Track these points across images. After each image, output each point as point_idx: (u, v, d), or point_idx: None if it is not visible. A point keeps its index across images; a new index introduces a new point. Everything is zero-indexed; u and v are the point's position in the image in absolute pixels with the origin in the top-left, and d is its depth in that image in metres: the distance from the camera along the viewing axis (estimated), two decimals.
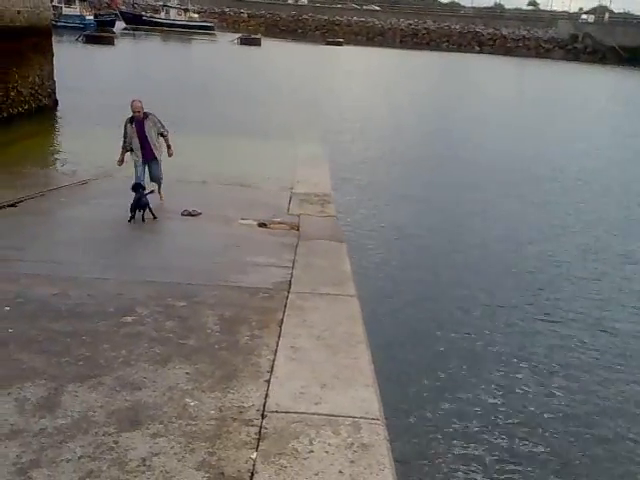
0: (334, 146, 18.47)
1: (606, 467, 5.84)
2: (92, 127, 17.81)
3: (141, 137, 9.53)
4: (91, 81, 28.55)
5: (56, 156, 15.46)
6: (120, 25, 69.25)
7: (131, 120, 9.49)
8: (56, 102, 21.48)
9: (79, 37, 52.73)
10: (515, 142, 23.07)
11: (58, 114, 20.74)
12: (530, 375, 7.20)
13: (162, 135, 9.76)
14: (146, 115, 9.51)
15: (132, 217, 8.64)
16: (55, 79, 21.42)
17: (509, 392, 6.81)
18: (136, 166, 9.71)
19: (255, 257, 7.54)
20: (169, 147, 9.91)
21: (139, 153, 9.62)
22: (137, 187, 8.90)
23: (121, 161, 9.72)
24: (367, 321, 6.02)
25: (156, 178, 9.97)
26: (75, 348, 4.82)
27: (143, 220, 8.67)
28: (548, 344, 7.87)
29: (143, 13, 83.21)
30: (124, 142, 9.60)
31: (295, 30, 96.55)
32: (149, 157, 9.76)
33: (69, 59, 30.49)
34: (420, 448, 5.73)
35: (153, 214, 8.84)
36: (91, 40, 52.39)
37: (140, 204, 8.69)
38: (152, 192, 9.35)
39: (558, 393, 6.84)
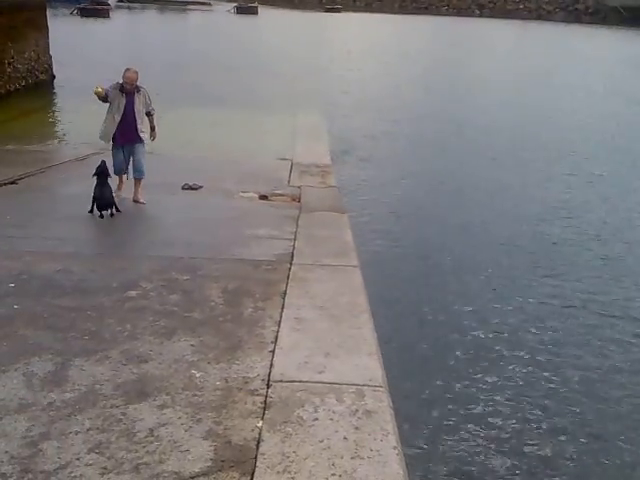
0: (334, 117, 18.35)
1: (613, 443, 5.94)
2: (90, 102, 17.58)
3: (127, 112, 8.14)
4: (87, 55, 28.28)
5: (55, 132, 15.41)
6: None
7: (122, 88, 8.13)
8: (53, 77, 21.33)
9: (74, 11, 52.11)
10: (524, 115, 22.79)
11: (55, 89, 20.61)
12: (534, 342, 7.26)
13: (148, 114, 8.44)
14: (137, 88, 8.22)
15: (100, 216, 7.61)
16: (51, 54, 21.24)
17: (513, 358, 6.86)
18: (113, 149, 8.33)
19: (257, 229, 7.56)
20: (153, 129, 8.54)
21: (111, 129, 8.14)
22: (102, 174, 7.63)
23: (101, 89, 8.01)
24: (369, 291, 6.06)
25: (139, 171, 8.43)
26: (80, 323, 4.86)
27: (112, 215, 7.70)
28: (553, 313, 7.90)
29: None
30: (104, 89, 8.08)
31: None
32: (131, 138, 8.26)
33: (64, 33, 30.14)
34: (424, 414, 5.81)
35: (117, 208, 7.76)
36: (86, 13, 51.83)
37: (104, 203, 7.59)
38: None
39: (562, 362, 6.87)
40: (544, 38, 57.08)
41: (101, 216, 7.62)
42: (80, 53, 28.10)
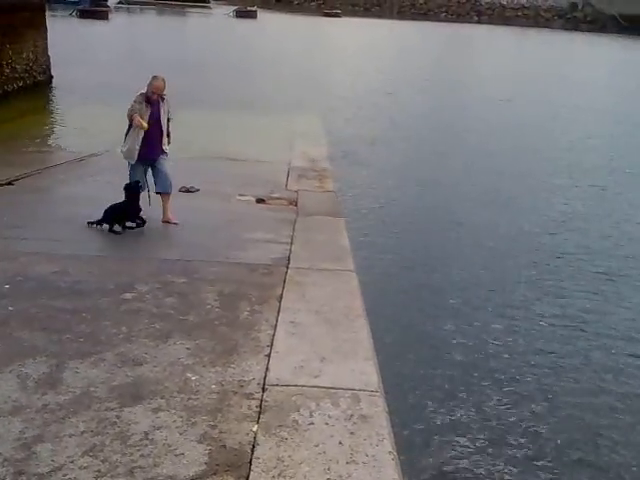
0: (332, 120, 18.37)
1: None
2: (88, 103, 17.71)
3: (153, 123, 7.44)
4: (86, 56, 28.27)
5: (52, 133, 15.39)
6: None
7: (147, 99, 7.39)
8: (51, 78, 21.31)
9: (73, 12, 52.10)
10: (524, 119, 22.86)
11: (53, 90, 20.59)
12: (531, 346, 7.24)
13: (167, 120, 7.78)
14: (162, 98, 7.54)
15: (120, 229, 7.24)
16: (49, 55, 21.23)
17: (510, 362, 6.86)
18: (131, 168, 7.61)
19: (254, 233, 7.56)
20: (168, 134, 7.83)
21: (137, 143, 7.40)
22: (134, 189, 7.29)
23: (144, 121, 7.30)
24: (366, 295, 6.06)
25: (166, 185, 7.68)
26: (76, 325, 4.85)
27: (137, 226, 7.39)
28: (550, 323, 7.85)
29: None
30: (134, 111, 7.35)
31: (291, 2, 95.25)
32: (156, 152, 7.58)
33: (63, 34, 30.13)
34: (419, 419, 5.79)
35: (143, 220, 7.41)
36: (85, 15, 51.79)
37: (132, 212, 7.26)
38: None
39: (562, 365, 6.88)
40: (543, 45, 57.27)
41: (120, 229, 7.24)
42: (79, 54, 28.08)
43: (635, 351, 7.32)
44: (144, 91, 7.48)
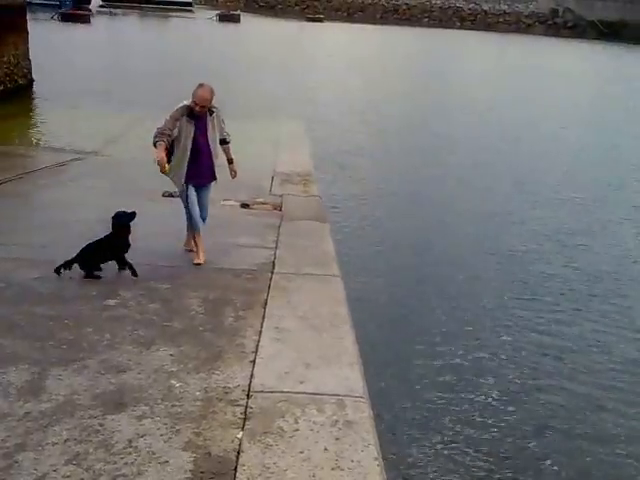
0: (316, 125, 18.38)
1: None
2: (69, 108, 17.57)
3: (199, 143, 6.25)
4: (68, 61, 28.07)
5: (33, 138, 15.23)
6: (97, 2, 67.86)
7: (190, 112, 6.16)
8: (32, 82, 21.12)
9: (54, 15, 51.66)
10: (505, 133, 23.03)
11: (34, 94, 20.40)
12: (516, 350, 7.28)
13: (223, 142, 6.58)
14: (211, 111, 6.31)
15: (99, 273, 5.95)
16: (30, 59, 21.04)
17: (495, 369, 6.89)
18: (184, 194, 6.44)
19: (238, 238, 7.54)
20: (231, 161, 6.77)
21: (184, 169, 6.26)
22: (122, 218, 6.06)
23: (164, 160, 6.04)
24: (351, 301, 6.07)
25: (204, 215, 6.72)
26: (58, 332, 4.80)
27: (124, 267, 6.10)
28: (535, 329, 7.89)
29: None
30: (163, 135, 6.05)
31: (274, 6, 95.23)
32: (206, 177, 6.53)
33: (44, 38, 29.89)
34: (405, 425, 5.81)
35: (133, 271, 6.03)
36: (67, 18, 51.34)
37: (119, 249, 6.03)
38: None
39: (547, 368, 6.91)
40: (523, 51, 57.79)
41: (96, 276, 5.94)
42: (60, 58, 27.88)
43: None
44: (188, 102, 6.18)
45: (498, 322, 7.93)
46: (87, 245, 5.93)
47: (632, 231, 11.71)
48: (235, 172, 6.90)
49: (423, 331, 7.63)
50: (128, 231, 6.11)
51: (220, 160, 6.70)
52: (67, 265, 5.82)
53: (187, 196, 6.50)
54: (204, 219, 6.72)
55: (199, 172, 6.43)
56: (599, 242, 11.04)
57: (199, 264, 6.51)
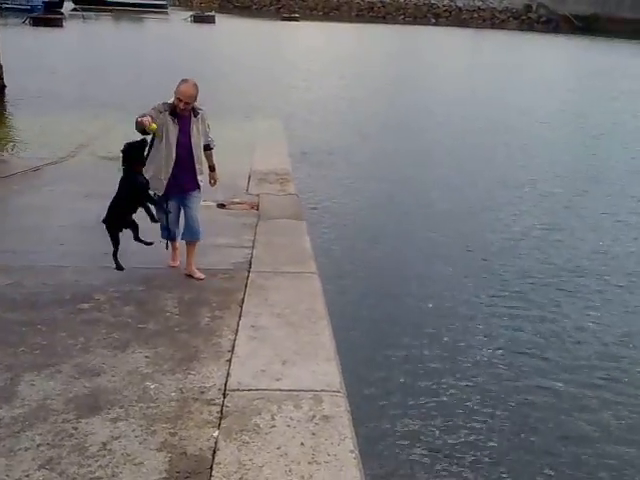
0: (294, 123, 18.37)
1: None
2: (43, 112, 17.36)
3: (181, 146, 5.73)
4: (40, 65, 27.75)
5: (7, 142, 15.03)
6: (69, 6, 67.22)
7: (172, 111, 5.66)
8: (4, 87, 20.85)
9: (26, 20, 51.00)
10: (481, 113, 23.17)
11: (6, 99, 20.14)
12: (492, 344, 7.30)
13: (206, 148, 6.09)
14: (195, 111, 5.79)
15: None
16: (2, 63, 20.78)
17: (472, 364, 6.89)
18: (155, 202, 5.91)
19: (215, 238, 7.49)
20: (213, 168, 6.32)
21: (165, 172, 5.73)
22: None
23: (149, 119, 5.35)
24: (328, 297, 6.08)
25: (196, 232, 6.16)
26: (31, 337, 4.75)
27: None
28: (512, 323, 7.86)
29: None
30: (148, 113, 5.47)
31: (249, 6, 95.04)
32: (187, 185, 5.93)
33: (16, 42, 29.55)
34: (382, 417, 5.82)
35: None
36: (38, 22, 50.69)
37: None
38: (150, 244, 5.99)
39: (523, 366, 6.91)
40: (497, 47, 58.24)
41: None
42: (32, 63, 27.56)
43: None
44: (170, 100, 5.70)
45: (475, 318, 7.91)
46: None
47: (610, 226, 11.76)
48: (216, 180, 6.44)
49: (400, 326, 7.64)
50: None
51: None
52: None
53: (160, 206, 5.98)
54: (197, 231, 6.16)
55: (179, 179, 5.83)
56: (577, 237, 11.06)
57: (173, 266, 6.37)
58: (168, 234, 6.14)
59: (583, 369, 6.92)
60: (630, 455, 5.60)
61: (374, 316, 7.90)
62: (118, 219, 5.68)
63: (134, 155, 5.60)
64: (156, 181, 5.80)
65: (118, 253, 5.79)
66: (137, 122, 5.38)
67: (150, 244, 5.97)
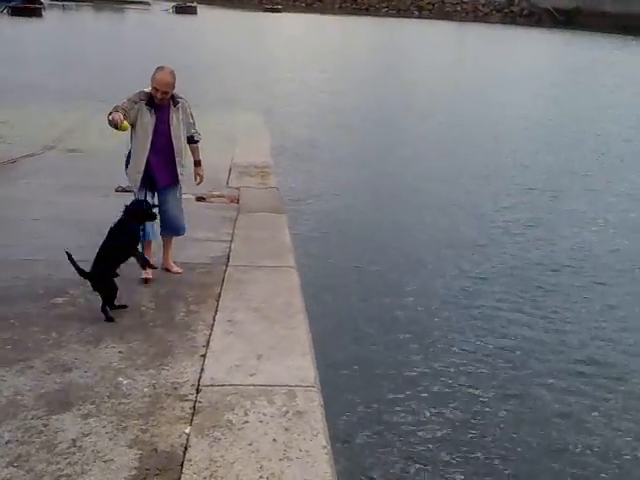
0: (275, 117, 18.30)
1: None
2: (20, 103, 17.11)
3: (159, 137, 5.47)
4: (18, 56, 27.38)
5: None
6: None
7: (149, 101, 5.38)
8: None
9: (4, 9, 50.42)
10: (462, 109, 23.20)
11: None
12: (471, 342, 7.28)
13: (191, 140, 5.86)
14: (175, 100, 5.52)
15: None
16: None
17: (447, 356, 6.90)
18: (134, 194, 5.65)
19: (193, 232, 7.40)
20: (198, 163, 6.08)
21: (140, 165, 5.51)
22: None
23: (120, 116, 5.13)
24: (306, 291, 6.05)
25: (177, 227, 5.97)
26: (2, 332, 4.68)
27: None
28: (494, 323, 7.79)
29: None
30: (117, 108, 5.23)
31: None
32: (166, 179, 5.68)
33: None
34: (357, 411, 5.82)
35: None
36: (17, 12, 50.12)
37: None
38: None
39: (501, 366, 6.88)
40: (479, 40, 58.45)
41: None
42: (9, 53, 27.18)
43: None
44: (147, 89, 5.39)
45: (454, 315, 7.88)
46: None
47: (591, 222, 11.77)
48: (201, 176, 6.13)
49: (378, 321, 7.64)
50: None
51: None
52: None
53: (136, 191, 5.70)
54: (179, 227, 5.97)
55: (158, 172, 5.57)
56: (558, 233, 11.07)
57: (147, 279, 5.76)
58: (142, 234, 5.57)
59: (562, 370, 6.88)
60: (608, 456, 5.57)
61: (352, 311, 7.89)
62: (111, 270, 5.09)
63: (140, 214, 5.27)
64: (134, 174, 5.60)
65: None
66: (109, 120, 5.17)
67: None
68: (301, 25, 62.68)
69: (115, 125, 5.13)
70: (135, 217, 5.22)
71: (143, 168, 5.54)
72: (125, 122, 5.18)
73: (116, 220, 5.22)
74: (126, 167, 5.71)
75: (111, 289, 5.00)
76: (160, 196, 5.81)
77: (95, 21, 56.02)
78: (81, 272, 4.95)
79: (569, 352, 7.24)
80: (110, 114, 5.17)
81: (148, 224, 5.59)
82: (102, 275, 4.98)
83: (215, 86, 23.75)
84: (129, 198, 8.31)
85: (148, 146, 5.47)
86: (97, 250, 5.09)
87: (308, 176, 13.63)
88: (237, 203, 8.94)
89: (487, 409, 6.07)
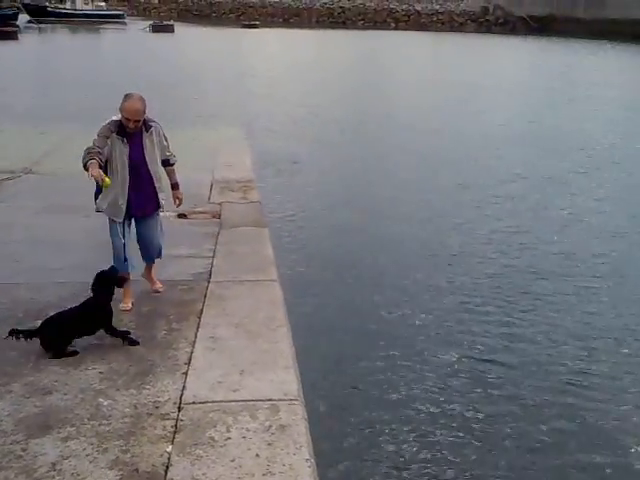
0: (254, 130, 18.34)
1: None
2: None
3: (135, 165, 5.36)
4: None
5: None
6: (24, 18, 66.20)
7: (119, 130, 5.25)
8: None
9: None
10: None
11: None
12: (457, 352, 7.24)
13: (166, 163, 5.75)
14: (147, 125, 5.42)
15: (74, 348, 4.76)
16: None
17: (433, 370, 6.84)
18: (113, 227, 5.51)
19: (175, 249, 7.39)
20: (176, 186, 5.96)
21: (122, 196, 5.37)
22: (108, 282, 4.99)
23: (101, 174, 5.02)
24: (289, 304, 6.04)
25: (153, 249, 5.92)
26: None
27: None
28: (479, 331, 7.75)
29: (47, 4, 79.89)
30: (92, 154, 5.05)
31: (209, 15, 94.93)
32: (145, 207, 5.58)
33: None
34: (341, 423, 5.79)
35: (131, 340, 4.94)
36: None
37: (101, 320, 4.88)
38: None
39: (487, 373, 6.87)
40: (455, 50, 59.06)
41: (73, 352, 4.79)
42: None
43: None
44: (117, 118, 5.29)
45: (439, 324, 7.84)
46: (56, 315, 4.91)
47: (574, 227, 11.80)
48: (180, 199, 6.03)
49: (362, 334, 7.59)
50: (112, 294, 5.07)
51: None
52: (28, 334, 4.76)
53: (112, 231, 5.56)
54: (159, 254, 6.00)
55: (136, 201, 5.45)
56: (541, 239, 11.07)
57: (126, 310, 5.58)
58: (122, 266, 5.47)
59: (546, 374, 6.88)
60: (593, 461, 5.56)
61: (336, 323, 7.86)
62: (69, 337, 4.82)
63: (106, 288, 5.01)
64: (115, 208, 5.44)
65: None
66: (89, 175, 5.04)
67: None
68: (279, 40, 62.97)
69: (100, 182, 5.08)
70: (106, 288, 5.00)
71: (126, 198, 5.40)
72: (107, 179, 5.10)
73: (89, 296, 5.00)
74: (95, 198, 5.54)
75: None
76: (139, 224, 5.74)
77: (71, 42, 55.89)
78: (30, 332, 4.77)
79: (555, 360, 7.21)
80: (86, 167, 5.03)
81: (131, 256, 5.58)
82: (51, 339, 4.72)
83: (195, 102, 23.77)
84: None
85: (127, 177, 5.35)
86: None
87: (290, 190, 13.64)
88: (219, 218, 8.92)
89: (475, 426, 6.02)
